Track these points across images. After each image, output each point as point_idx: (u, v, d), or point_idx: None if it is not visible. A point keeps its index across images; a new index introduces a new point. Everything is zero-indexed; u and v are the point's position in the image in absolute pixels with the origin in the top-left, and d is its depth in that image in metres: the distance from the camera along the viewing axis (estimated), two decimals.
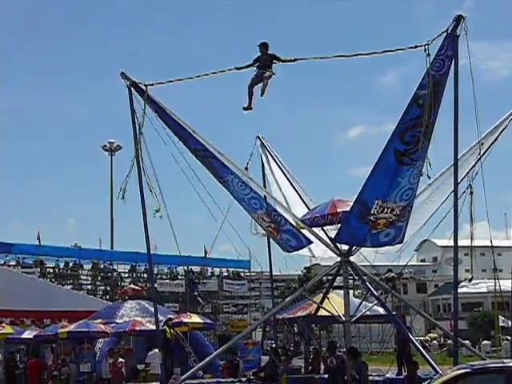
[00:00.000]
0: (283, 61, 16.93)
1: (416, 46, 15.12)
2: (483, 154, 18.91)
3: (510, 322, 45.28)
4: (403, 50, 15.60)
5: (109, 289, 60.52)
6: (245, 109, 17.23)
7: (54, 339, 27.45)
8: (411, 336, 20.78)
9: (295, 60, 16.91)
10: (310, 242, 19.94)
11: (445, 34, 15.13)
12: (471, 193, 18.30)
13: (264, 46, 16.97)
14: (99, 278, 61.54)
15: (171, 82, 17.97)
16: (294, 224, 19.40)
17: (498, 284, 22.73)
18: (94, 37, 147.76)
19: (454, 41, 15.13)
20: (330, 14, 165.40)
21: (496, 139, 19.50)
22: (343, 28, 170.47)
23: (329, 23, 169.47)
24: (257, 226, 20.82)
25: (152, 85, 18.01)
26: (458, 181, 16.58)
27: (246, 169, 20.00)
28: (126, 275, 62.06)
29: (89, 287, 59.97)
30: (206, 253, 62.65)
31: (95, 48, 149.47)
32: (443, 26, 15.16)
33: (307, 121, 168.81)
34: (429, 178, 16.91)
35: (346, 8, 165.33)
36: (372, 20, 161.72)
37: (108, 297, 57.60)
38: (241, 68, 17.19)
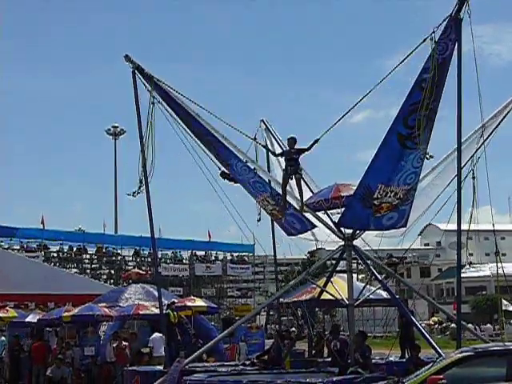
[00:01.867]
0: (308, 149, 17.85)
1: (425, 40, 15.18)
2: (486, 139, 18.88)
3: (509, 307, 45.31)
4: (414, 50, 15.62)
5: (113, 272, 60.77)
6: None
7: (58, 323, 27.55)
8: (414, 319, 20.80)
9: (317, 140, 17.56)
10: (314, 226, 19.95)
11: (448, 18, 15.12)
12: (473, 177, 18.27)
13: (292, 140, 18.04)
14: (103, 261, 61.71)
15: (174, 90, 18.25)
16: (298, 208, 19.41)
17: (501, 267, 22.70)
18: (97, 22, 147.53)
19: (458, 24, 15.10)
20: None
21: (499, 123, 19.46)
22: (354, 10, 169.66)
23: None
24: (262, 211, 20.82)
25: (158, 80, 18.11)
26: (462, 165, 16.59)
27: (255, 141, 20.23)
28: (130, 259, 62.25)
29: (93, 271, 60.15)
30: (210, 237, 62.96)
31: (99, 31, 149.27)
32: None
33: (312, 104, 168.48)
34: (431, 157, 16.96)
35: None
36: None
37: (112, 281, 57.83)
38: (267, 149, 19.56)
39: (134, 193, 18.48)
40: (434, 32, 15.12)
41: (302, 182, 22.00)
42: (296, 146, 18.13)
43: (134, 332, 27.77)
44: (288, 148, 18.35)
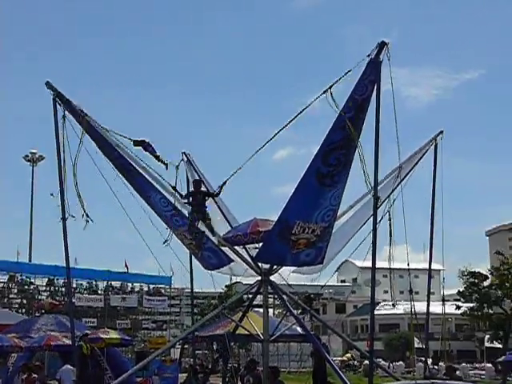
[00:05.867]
0: (216, 194, 18.43)
1: (340, 78, 15.38)
2: (403, 179, 19.31)
3: (422, 345, 46.13)
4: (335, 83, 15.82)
5: (25, 302, 59.33)
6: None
7: None
8: (328, 356, 20.93)
9: (225, 183, 17.72)
10: (232, 261, 19.95)
11: (368, 59, 15.43)
12: (390, 219, 18.67)
13: (197, 183, 18.50)
14: (15, 290, 60.22)
15: (101, 127, 18.03)
16: (216, 242, 19.39)
17: (414, 306, 23.11)
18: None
19: (377, 66, 15.42)
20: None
21: (415, 165, 19.96)
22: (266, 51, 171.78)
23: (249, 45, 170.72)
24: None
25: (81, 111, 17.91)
26: (378, 204, 16.85)
27: (175, 188, 20.00)
28: (44, 289, 60.94)
29: (4, 300, 58.58)
30: (127, 267, 62.25)
31: (21, 56, 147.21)
32: (367, 50, 15.46)
33: (232, 140, 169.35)
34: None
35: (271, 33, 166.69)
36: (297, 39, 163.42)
37: (24, 310, 56.45)
38: (175, 189, 18.13)
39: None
40: (350, 70, 15.36)
41: (221, 215, 22.10)
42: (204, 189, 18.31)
43: (38, 364, 27.06)
44: (193, 189, 18.45)
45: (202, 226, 19.61)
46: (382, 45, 15.24)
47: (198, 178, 23.11)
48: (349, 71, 15.38)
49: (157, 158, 18.14)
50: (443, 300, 43.07)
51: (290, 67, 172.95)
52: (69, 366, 23.17)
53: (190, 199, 18.24)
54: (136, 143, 18.18)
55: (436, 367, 40.30)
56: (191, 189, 22.36)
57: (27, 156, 66.43)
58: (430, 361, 38.38)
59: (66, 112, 17.89)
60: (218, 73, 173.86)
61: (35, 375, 24.62)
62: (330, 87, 15.36)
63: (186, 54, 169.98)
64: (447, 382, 14.65)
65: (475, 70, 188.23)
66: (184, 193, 18.77)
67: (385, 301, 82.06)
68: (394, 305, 72.96)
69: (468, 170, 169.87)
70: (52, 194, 18.25)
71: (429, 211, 20.95)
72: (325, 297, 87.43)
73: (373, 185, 15.96)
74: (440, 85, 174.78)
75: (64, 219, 18.15)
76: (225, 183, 17.70)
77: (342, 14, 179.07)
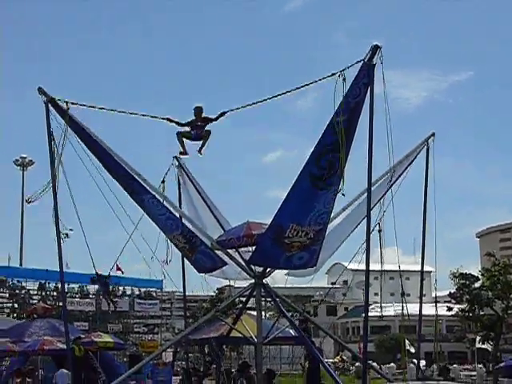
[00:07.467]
0: (215, 119, 17.78)
1: (333, 74, 15.46)
2: (395, 181, 19.43)
3: (411, 348, 46.29)
4: (321, 79, 15.94)
5: (16, 306, 59.16)
6: (181, 154, 17.82)
7: None
8: (322, 358, 21.02)
9: (224, 113, 17.65)
10: (225, 264, 20.02)
11: (361, 62, 15.55)
12: (379, 231, 18.88)
13: (198, 110, 17.83)
14: (7, 295, 60.09)
15: (93, 107, 17.97)
16: (209, 245, 19.46)
17: (406, 308, 23.24)
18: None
19: (371, 69, 15.54)
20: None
21: (407, 168, 20.07)
22: (256, 55, 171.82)
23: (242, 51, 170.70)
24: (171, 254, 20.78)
25: (74, 104, 17.90)
26: (371, 207, 16.96)
27: (163, 182, 19.98)
28: (35, 293, 60.80)
29: None
30: (119, 271, 62.08)
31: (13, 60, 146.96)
32: (356, 52, 15.60)
33: (224, 144, 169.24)
34: (343, 195, 17.23)
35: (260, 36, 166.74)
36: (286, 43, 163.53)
37: (15, 315, 56.28)
38: (172, 121, 17.73)
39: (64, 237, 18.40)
40: (343, 70, 15.45)
41: (214, 219, 22.19)
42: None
43: (32, 368, 27.07)
44: (195, 117, 17.93)
45: (195, 230, 19.73)
46: (376, 48, 15.38)
47: (188, 181, 23.27)
48: (361, 60, 15.47)
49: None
50: (436, 301, 43.23)
51: (278, 68, 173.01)
52: (64, 370, 23.20)
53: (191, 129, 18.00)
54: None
55: (429, 368, 40.50)
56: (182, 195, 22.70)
57: (17, 160, 66.29)
58: (423, 362, 38.57)
59: (59, 117, 17.96)
60: (212, 72, 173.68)
61: (29, 379, 24.68)
62: (343, 70, 15.39)
63: (183, 54, 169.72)
64: (441, 382, 14.78)
65: (464, 72, 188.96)
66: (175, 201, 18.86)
67: (376, 303, 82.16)
68: (380, 316, 73.52)
69: (458, 172, 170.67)
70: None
71: (418, 212, 21.06)
72: (315, 299, 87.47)
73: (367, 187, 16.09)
74: (430, 87, 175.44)
75: (57, 226, 18.24)
76: (224, 114, 17.63)
77: (331, 17, 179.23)
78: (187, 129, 17.99)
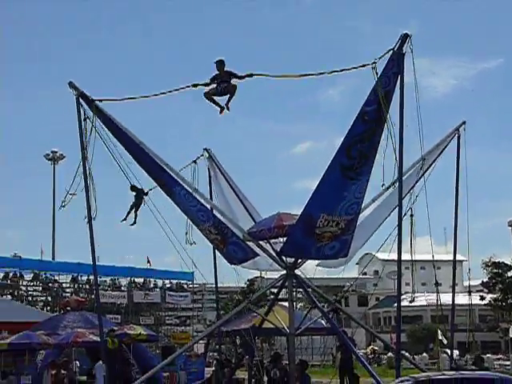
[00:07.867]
0: (240, 77, 17.30)
1: (364, 65, 15.42)
2: (426, 170, 19.33)
3: (443, 339, 45.99)
4: (354, 68, 15.87)
5: (50, 299, 59.76)
6: (221, 111, 17.53)
7: None
8: (355, 349, 21.00)
9: (252, 75, 17.25)
10: (256, 255, 20.07)
11: (391, 51, 15.48)
12: (412, 215, 18.77)
13: (221, 64, 17.39)
14: (40, 288, 60.71)
15: (119, 100, 18.10)
16: (241, 237, 19.50)
17: (439, 298, 23.16)
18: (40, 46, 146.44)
19: (400, 58, 15.48)
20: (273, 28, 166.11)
21: (437, 157, 19.96)
22: (285, 43, 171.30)
23: (270, 38, 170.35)
24: (191, 236, 20.81)
25: (101, 101, 18.09)
26: (402, 197, 16.90)
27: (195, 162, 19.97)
28: (68, 286, 61.39)
29: (29, 298, 59.05)
30: (149, 263, 62.53)
31: (40, 56, 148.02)
32: (387, 42, 15.55)
33: (253, 136, 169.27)
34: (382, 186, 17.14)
35: (287, 24, 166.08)
36: (316, 34, 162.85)
37: (49, 308, 56.86)
38: (198, 85, 17.50)
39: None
40: (375, 62, 15.41)
41: (245, 211, 22.23)
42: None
43: (66, 360, 27.31)
44: (218, 72, 17.55)
45: (226, 222, 19.77)
46: (405, 37, 15.34)
47: (219, 173, 23.32)
48: (390, 49, 15.41)
49: None
50: (469, 291, 42.93)
51: (302, 61, 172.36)
52: (101, 362, 23.40)
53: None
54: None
55: (463, 358, 40.26)
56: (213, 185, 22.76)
57: (48, 155, 66.79)
58: (456, 352, 38.33)
59: (90, 113, 18.16)
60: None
61: (64, 371, 24.91)
62: (375, 62, 15.39)
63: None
64: (476, 372, 14.68)
65: (494, 59, 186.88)
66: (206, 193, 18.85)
67: (407, 293, 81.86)
68: (411, 301, 73.11)
69: (489, 160, 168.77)
70: (71, 194, 18.51)
71: (448, 202, 20.94)
72: (346, 289, 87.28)
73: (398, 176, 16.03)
74: (459, 74, 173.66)
75: (90, 219, 18.44)
76: (251, 75, 17.28)
77: (358, 5, 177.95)
78: (213, 86, 17.52)
